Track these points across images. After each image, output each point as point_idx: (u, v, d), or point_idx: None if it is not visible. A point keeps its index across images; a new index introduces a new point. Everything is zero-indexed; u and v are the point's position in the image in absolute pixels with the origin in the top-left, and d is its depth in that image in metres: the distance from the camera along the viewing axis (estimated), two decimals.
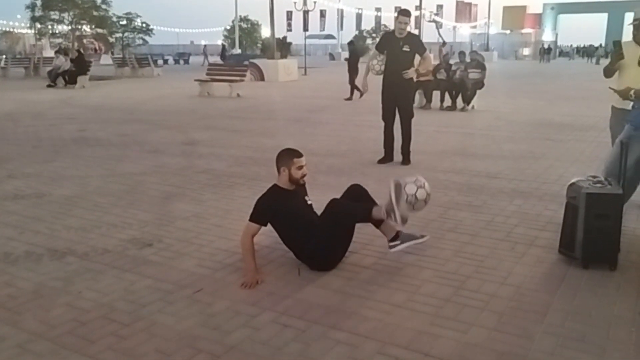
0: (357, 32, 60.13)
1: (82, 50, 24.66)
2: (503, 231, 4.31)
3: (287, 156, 3.65)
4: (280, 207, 3.57)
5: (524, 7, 66.32)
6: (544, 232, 4.27)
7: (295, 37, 45.84)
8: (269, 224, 3.60)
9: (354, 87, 14.73)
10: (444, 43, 25.71)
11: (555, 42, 63.20)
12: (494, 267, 3.62)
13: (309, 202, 3.76)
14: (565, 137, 8.62)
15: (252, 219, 3.54)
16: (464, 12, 65.50)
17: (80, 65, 19.84)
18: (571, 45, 66.33)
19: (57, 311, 3.04)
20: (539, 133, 9.00)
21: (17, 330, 2.84)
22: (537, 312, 3.01)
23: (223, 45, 44.67)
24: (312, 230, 3.53)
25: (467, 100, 12.12)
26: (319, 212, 3.66)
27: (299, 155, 3.66)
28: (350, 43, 17.47)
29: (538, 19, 65.93)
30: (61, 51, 22.80)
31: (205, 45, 50.89)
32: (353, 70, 15.09)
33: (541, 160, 6.90)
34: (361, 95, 14.01)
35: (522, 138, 8.56)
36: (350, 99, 14.66)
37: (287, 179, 3.61)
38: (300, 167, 3.62)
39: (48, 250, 3.94)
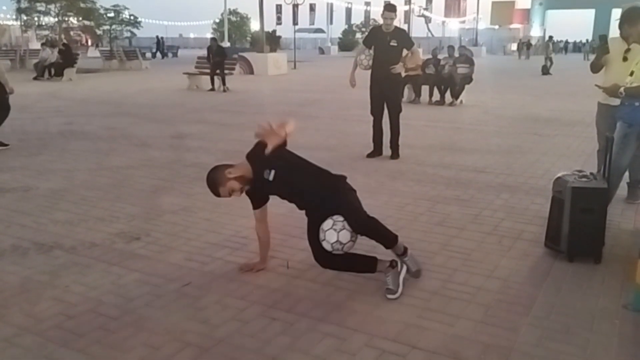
0: (346, 26, 60.03)
1: (68, 43, 24.37)
2: (490, 225, 4.35)
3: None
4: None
5: (512, 3, 66.57)
6: (530, 225, 4.31)
7: (285, 31, 45.58)
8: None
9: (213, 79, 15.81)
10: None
11: (543, 37, 63.52)
12: (480, 260, 3.66)
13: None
14: (552, 131, 8.69)
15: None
16: (453, 6, 65.55)
17: (68, 58, 19.64)
18: (558, 41, 66.30)
19: (44, 305, 3.03)
20: (526, 128, 9.07)
21: (4, 325, 2.82)
22: (522, 304, 3.05)
23: (159, 38, 41.32)
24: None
25: (455, 95, 12.16)
26: None
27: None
28: (213, 39, 17.87)
29: (526, 15, 66.25)
30: (48, 43, 22.57)
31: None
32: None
33: (528, 154, 6.96)
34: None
35: (510, 133, 8.61)
36: (213, 89, 15.61)
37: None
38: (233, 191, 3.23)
39: (35, 244, 3.91)
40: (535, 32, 62.48)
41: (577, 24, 75.45)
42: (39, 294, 3.15)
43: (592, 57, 5.81)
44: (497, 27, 63.28)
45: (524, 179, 5.76)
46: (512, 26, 62.67)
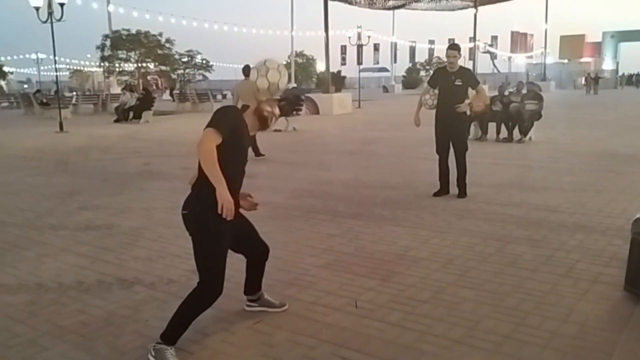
0: (410, 65, 60.45)
1: (148, 88, 25.92)
2: (564, 266, 4.21)
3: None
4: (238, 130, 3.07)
5: (582, 36, 65.02)
6: (608, 268, 4.15)
7: (349, 71, 46.48)
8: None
9: None
10: None
11: (616, 70, 61.31)
12: (555, 303, 3.55)
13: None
14: (628, 169, 8.34)
15: (214, 125, 2.95)
16: (520, 42, 64.70)
17: (146, 102, 20.92)
18: (624, 74, 62.55)
19: (126, 338, 3.20)
20: (600, 165, 8.75)
21: (91, 356, 3.01)
22: (602, 351, 2.93)
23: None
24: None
25: (524, 132, 11.93)
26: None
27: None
28: (294, 87, 18.07)
29: (597, 48, 64.37)
30: (127, 88, 24.08)
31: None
32: None
33: (603, 193, 6.71)
34: None
35: (583, 170, 8.34)
36: None
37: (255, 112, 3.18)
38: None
39: (117, 280, 4.15)
40: (608, 65, 60.47)
41: None
42: (122, 328, 3.34)
43: None
44: (566, 61, 61.76)
45: (599, 218, 5.56)
46: (582, 60, 61.01)
